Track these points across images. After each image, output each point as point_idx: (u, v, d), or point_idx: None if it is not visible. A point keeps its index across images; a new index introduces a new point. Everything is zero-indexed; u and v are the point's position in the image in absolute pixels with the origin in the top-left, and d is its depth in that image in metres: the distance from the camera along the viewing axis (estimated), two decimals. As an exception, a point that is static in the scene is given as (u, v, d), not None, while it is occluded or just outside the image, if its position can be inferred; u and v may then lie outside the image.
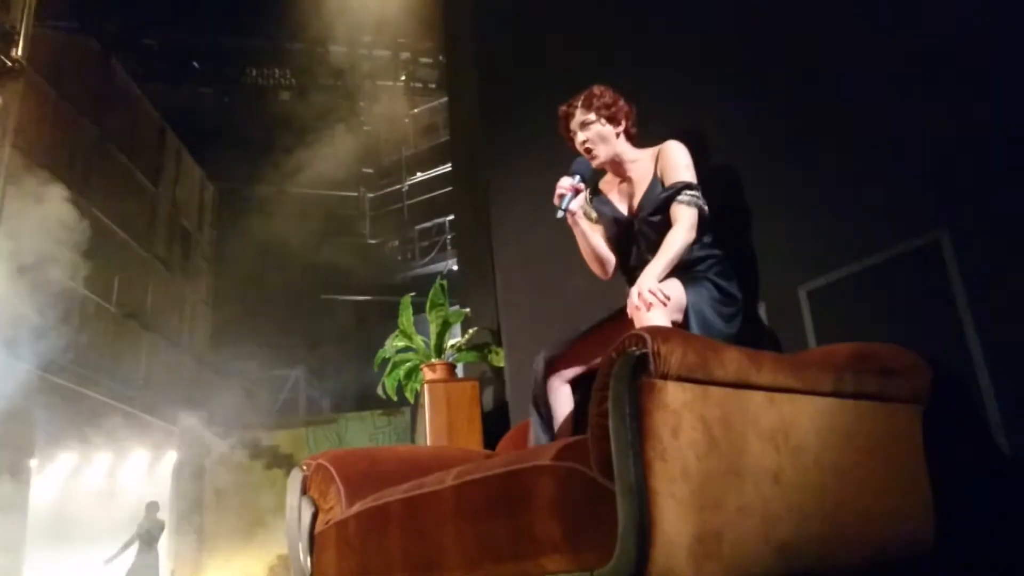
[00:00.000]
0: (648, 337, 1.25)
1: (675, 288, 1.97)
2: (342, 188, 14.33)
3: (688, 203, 2.05)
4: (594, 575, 1.21)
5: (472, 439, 3.62)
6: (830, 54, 2.09)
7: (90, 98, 10.19)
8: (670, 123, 2.34)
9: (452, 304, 4.36)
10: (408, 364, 4.07)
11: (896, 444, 1.59)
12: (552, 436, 2.13)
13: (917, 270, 1.82)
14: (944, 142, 1.79)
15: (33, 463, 8.85)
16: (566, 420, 2.15)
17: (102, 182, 10.07)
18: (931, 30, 1.85)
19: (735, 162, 2.34)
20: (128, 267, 10.78)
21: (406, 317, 4.05)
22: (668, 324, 1.86)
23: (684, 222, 2.04)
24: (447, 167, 12.17)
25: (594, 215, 2.28)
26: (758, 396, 1.37)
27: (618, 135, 2.21)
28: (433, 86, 13.42)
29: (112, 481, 10.08)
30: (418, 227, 14.30)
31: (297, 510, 1.93)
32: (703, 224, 2.08)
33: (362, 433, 9.90)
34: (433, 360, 3.91)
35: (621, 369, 1.24)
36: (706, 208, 2.08)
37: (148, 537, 8.76)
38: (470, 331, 4.15)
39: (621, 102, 2.22)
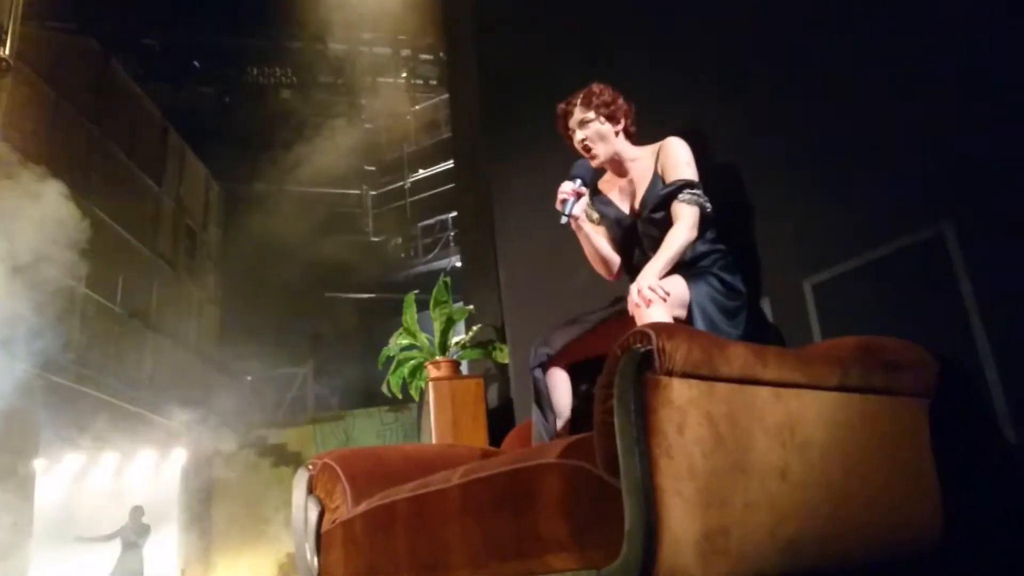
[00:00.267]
0: (653, 334, 1.24)
1: (677, 284, 1.96)
2: (345, 186, 14.33)
3: (689, 201, 2.04)
4: (601, 573, 1.20)
5: (477, 436, 3.62)
6: (833, 48, 2.07)
7: (90, 98, 10.19)
8: (673, 120, 2.33)
9: (456, 301, 4.36)
10: (412, 362, 4.08)
11: (902, 438, 1.59)
12: (554, 427, 2.13)
13: (922, 263, 1.81)
14: (947, 133, 1.78)
15: (39, 463, 8.87)
16: (568, 408, 2.15)
17: (104, 182, 10.07)
18: (932, 22, 1.83)
19: (739, 157, 2.33)
20: (132, 267, 10.79)
21: (410, 315, 4.05)
22: (669, 320, 1.85)
23: (685, 221, 2.03)
24: (449, 164, 12.17)
25: (596, 216, 2.27)
26: (764, 392, 1.37)
27: (617, 134, 2.19)
28: (434, 82, 13.41)
29: (119, 481, 10.11)
30: (421, 224, 14.28)
31: (303, 510, 1.93)
32: (705, 221, 2.07)
33: (370, 430, 9.92)
34: (437, 357, 3.92)
35: (626, 366, 1.23)
36: (708, 206, 2.07)
37: (131, 540, 8.78)
38: (474, 328, 4.15)
39: (620, 100, 2.21)
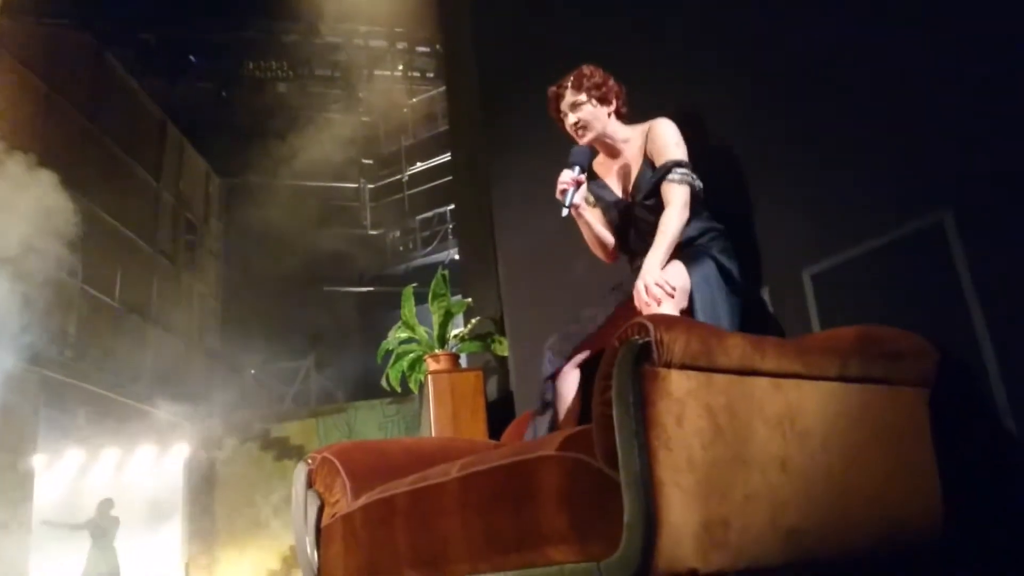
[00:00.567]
0: (651, 326, 1.24)
1: (679, 274, 1.96)
2: (342, 179, 14.30)
3: (679, 181, 2.04)
4: (601, 565, 1.20)
5: (477, 429, 3.62)
6: (834, 35, 2.06)
7: (84, 93, 10.15)
8: (670, 104, 2.32)
9: (454, 294, 4.35)
10: (411, 355, 4.06)
11: (903, 428, 1.59)
12: (556, 426, 2.12)
13: (922, 252, 1.80)
14: (947, 121, 1.77)
15: (39, 460, 8.87)
16: (573, 404, 2.14)
17: (100, 177, 10.03)
18: (934, 13, 1.82)
19: (737, 145, 2.33)
20: (131, 262, 10.78)
21: (408, 308, 4.04)
22: (678, 314, 1.86)
23: (676, 202, 2.03)
24: (447, 156, 12.12)
25: (592, 200, 2.27)
26: (763, 382, 1.36)
27: (609, 115, 2.19)
28: (431, 75, 13.37)
29: (120, 476, 10.13)
30: (419, 217, 14.24)
31: (303, 504, 1.93)
32: (697, 200, 2.07)
33: (372, 422, 9.91)
34: (436, 351, 3.91)
35: (624, 358, 1.23)
36: (698, 184, 2.07)
37: (99, 532, 8.79)
38: (473, 321, 4.15)
39: (611, 82, 2.20)
